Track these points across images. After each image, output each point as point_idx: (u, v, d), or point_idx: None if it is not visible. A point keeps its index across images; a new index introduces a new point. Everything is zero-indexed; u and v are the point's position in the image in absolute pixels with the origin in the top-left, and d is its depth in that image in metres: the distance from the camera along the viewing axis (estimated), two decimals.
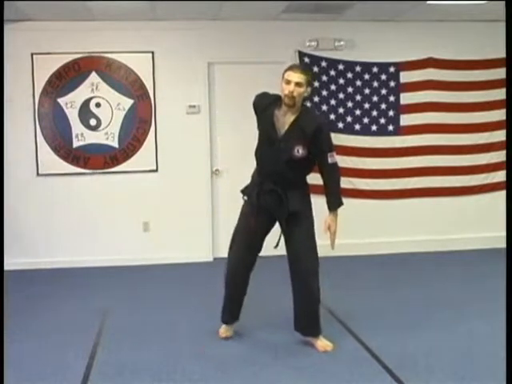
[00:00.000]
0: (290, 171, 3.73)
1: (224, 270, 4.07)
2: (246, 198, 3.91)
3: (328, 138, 3.77)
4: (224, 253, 6.35)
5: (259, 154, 3.89)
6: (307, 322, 3.92)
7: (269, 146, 3.78)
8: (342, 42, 6.50)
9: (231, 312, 4.09)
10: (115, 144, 6.38)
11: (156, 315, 4.63)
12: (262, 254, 4.02)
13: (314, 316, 3.89)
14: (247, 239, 3.91)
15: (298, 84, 3.59)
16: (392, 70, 6.63)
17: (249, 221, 3.84)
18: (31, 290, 5.46)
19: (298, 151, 3.67)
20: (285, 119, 3.71)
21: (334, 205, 3.82)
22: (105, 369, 3.57)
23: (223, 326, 4.14)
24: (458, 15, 6.33)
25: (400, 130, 6.70)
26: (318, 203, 3.93)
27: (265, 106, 3.77)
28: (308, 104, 6.44)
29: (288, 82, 3.61)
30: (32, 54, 6.17)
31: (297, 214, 3.78)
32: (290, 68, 3.69)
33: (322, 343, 3.91)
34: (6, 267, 5.95)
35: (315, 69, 6.49)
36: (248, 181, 4.17)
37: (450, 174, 6.77)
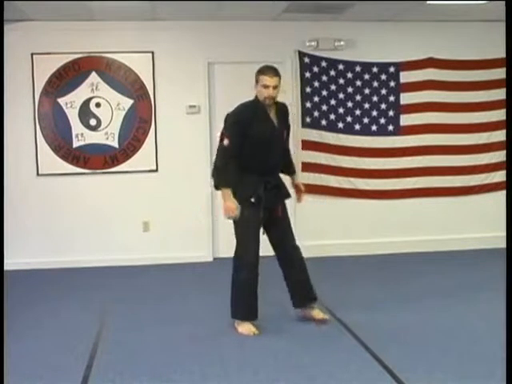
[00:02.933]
0: (281, 155, 4.24)
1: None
2: (252, 199, 4.11)
3: None
4: (224, 253, 6.44)
5: (258, 154, 4.11)
6: (307, 289, 4.30)
7: (269, 142, 4.12)
8: (341, 42, 6.50)
9: (255, 308, 4.20)
10: (115, 144, 6.38)
11: (156, 315, 4.62)
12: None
13: (310, 282, 4.31)
14: (256, 237, 4.16)
15: (275, 87, 4.06)
16: (392, 70, 6.62)
17: (255, 219, 4.12)
18: (31, 290, 5.46)
19: (285, 135, 4.27)
20: (271, 114, 4.19)
21: (294, 170, 4.51)
22: (105, 369, 3.57)
23: (248, 323, 4.16)
24: (458, 15, 6.33)
25: (400, 130, 6.70)
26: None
27: (251, 115, 4.11)
28: (308, 104, 6.48)
29: (266, 87, 4.04)
30: (32, 54, 6.17)
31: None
32: (264, 73, 4.06)
33: (319, 315, 4.31)
34: (6, 267, 5.95)
35: (315, 69, 6.50)
36: None
37: (450, 174, 6.77)
